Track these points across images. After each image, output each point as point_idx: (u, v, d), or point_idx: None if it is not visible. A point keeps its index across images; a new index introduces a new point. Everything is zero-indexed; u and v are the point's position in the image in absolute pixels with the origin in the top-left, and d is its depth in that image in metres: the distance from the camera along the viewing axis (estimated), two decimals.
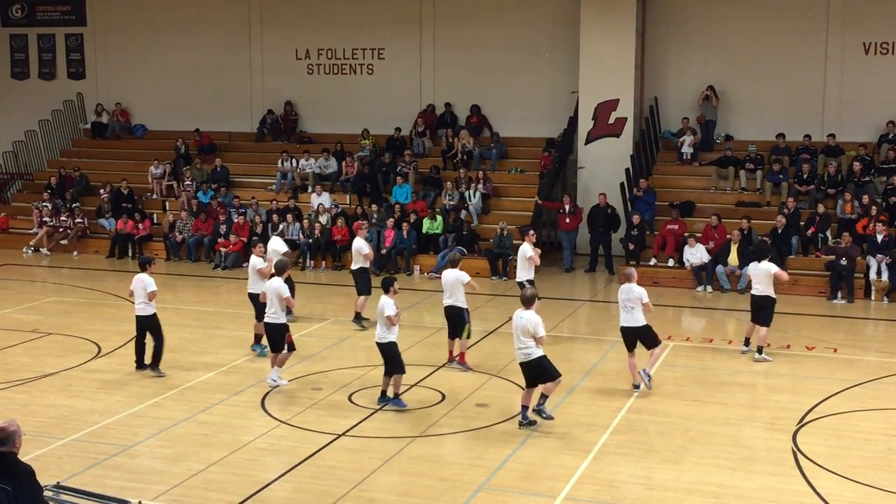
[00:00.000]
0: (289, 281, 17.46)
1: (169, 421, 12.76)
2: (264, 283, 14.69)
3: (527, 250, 16.84)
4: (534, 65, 26.83)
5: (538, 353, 12.31)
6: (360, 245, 17.75)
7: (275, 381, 14.17)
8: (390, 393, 13.39)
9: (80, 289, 21.77)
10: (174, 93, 30.21)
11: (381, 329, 13.25)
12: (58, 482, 9.51)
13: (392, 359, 13.27)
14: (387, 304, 13.16)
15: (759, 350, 15.72)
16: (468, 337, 15.36)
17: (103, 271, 24.18)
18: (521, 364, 12.46)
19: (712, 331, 18.18)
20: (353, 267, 17.93)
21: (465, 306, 15.13)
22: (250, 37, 29.42)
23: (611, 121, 25.04)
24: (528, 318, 12.25)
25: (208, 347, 16.49)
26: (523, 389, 12.67)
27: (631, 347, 14.08)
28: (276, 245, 17.91)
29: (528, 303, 12.45)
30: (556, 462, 11.37)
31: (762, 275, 15.66)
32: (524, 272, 16.77)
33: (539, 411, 12.45)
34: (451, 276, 15.11)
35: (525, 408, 12.53)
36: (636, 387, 14.02)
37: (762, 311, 15.70)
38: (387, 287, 13.40)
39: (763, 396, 14.04)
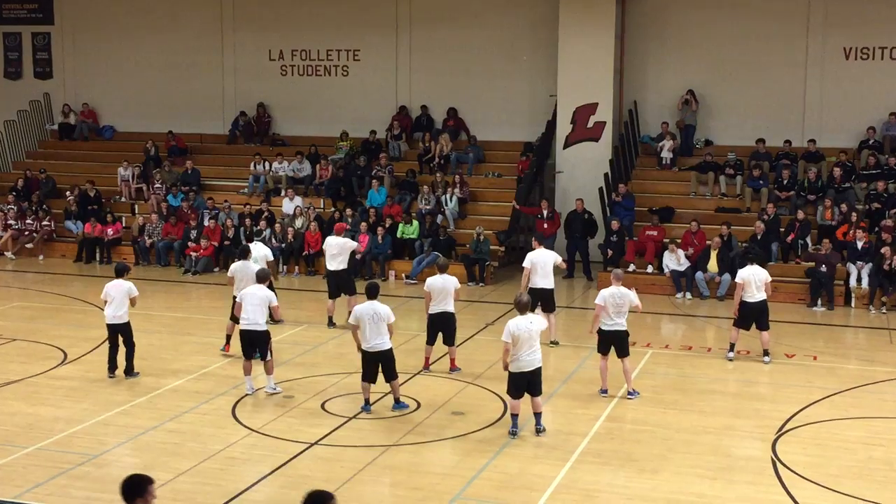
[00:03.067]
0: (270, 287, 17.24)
1: (137, 429, 12.55)
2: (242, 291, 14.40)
3: (556, 258, 16.74)
4: (512, 68, 26.69)
5: None
6: (350, 244, 17.98)
7: (274, 388, 14.00)
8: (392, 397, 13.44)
9: (46, 294, 21.43)
10: (144, 93, 29.85)
11: (384, 336, 13.05)
12: None
13: (393, 364, 13.26)
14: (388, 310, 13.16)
15: (767, 353, 15.93)
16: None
17: (70, 276, 23.78)
18: (531, 371, 12.23)
19: (692, 338, 18.09)
20: (335, 267, 17.79)
21: (454, 311, 15.04)
22: (222, 37, 29.12)
23: (589, 125, 24.92)
24: (541, 323, 12.34)
25: (178, 354, 16.21)
26: (512, 400, 12.42)
27: (608, 351, 13.98)
28: (263, 250, 17.52)
29: (527, 308, 12.36)
30: (533, 471, 11.26)
31: (761, 280, 15.73)
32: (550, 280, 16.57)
33: (540, 429, 12.42)
34: (447, 283, 14.92)
35: (516, 416, 12.38)
36: (604, 392, 13.97)
37: (764, 315, 15.82)
38: (377, 292, 13.27)
39: (742, 404, 13.93)
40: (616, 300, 13.81)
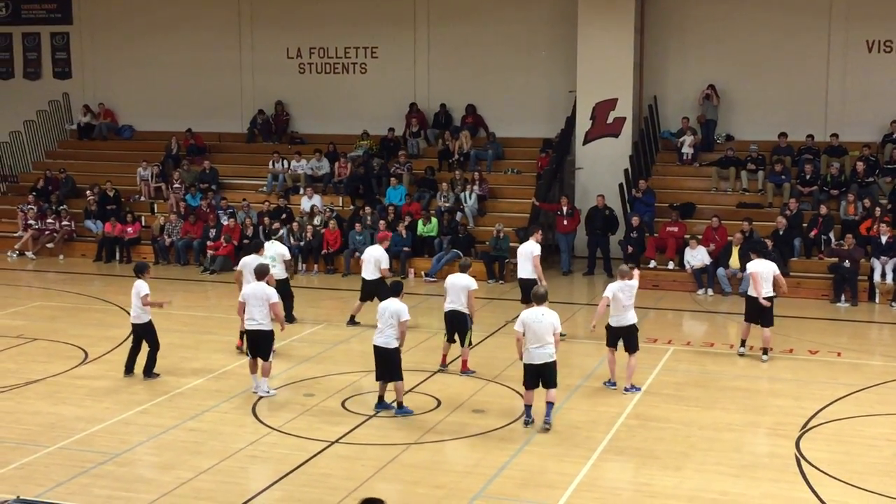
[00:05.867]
0: (286, 287, 17.04)
1: (158, 428, 12.56)
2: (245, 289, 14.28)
3: (534, 248, 16.69)
4: (531, 63, 26.58)
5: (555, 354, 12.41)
6: (381, 256, 17.38)
7: (267, 391, 13.91)
8: (390, 399, 13.19)
9: (67, 293, 21.49)
10: (162, 93, 29.88)
11: (390, 334, 12.94)
12: (18, 496, 9.24)
13: (399, 364, 13.04)
14: (403, 309, 12.99)
15: (766, 352, 15.80)
16: (470, 344, 15.13)
17: (90, 275, 23.85)
18: (540, 365, 12.32)
19: (713, 335, 17.98)
20: (367, 276, 17.47)
21: (467, 311, 14.84)
22: (240, 35, 29.12)
23: (609, 121, 24.79)
24: (553, 316, 12.38)
25: (198, 353, 16.22)
26: (525, 391, 12.56)
27: (616, 345, 14.10)
28: (280, 249, 17.42)
29: (543, 300, 12.46)
30: (555, 469, 11.22)
31: (770, 274, 15.62)
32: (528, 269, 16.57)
33: (547, 422, 12.41)
34: (459, 280, 14.80)
35: (529, 407, 12.51)
36: (612, 384, 14.11)
37: (767, 311, 15.66)
38: (400, 291, 13.19)
39: (765, 401, 13.84)
40: (624, 293, 13.95)
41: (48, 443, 12.00)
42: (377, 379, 13.18)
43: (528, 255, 16.68)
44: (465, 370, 14.97)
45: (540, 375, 12.34)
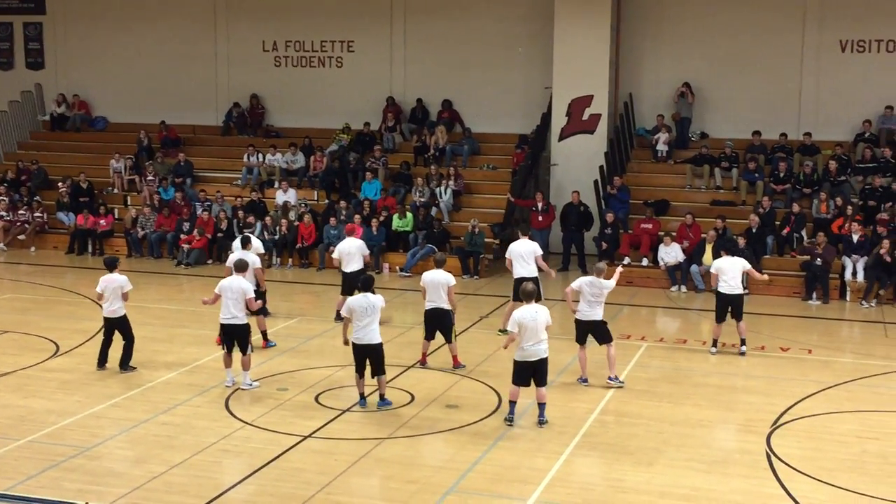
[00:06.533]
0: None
1: (129, 422, 12.49)
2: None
3: (536, 248, 16.60)
4: (507, 59, 26.60)
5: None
6: (361, 245, 17.33)
7: (250, 384, 13.88)
8: (377, 394, 13.22)
9: (38, 285, 21.33)
10: (137, 84, 29.71)
11: (374, 329, 12.92)
12: None
13: (382, 359, 13.10)
14: (381, 298, 13.08)
15: (743, 342, 15.89)
16: (454, 337, 15.14)
17: (62, 267, 23.70)
18: (536, 361, 12.34)
19: (686, 331, 18.06)
20: (352, 269, 17.22)
21: (449, 308, 14.79)
22: (216, 27, 28.98)
23: (585, 117, 24.86)
24: (545, 312, 12.37)
25: (171, 346, 16.14)
26: (514, 388, 12.51)
27: (584, 341, 14.16)
28: (254, 243, 17.25)
29: (533, 297, 12.48)
30: (527, 464, 11.24)
31: (738, 270, 15.70)
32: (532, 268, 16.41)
33: (543, 421, 12.46)
34: (437, 277, 14.72)
35: (514, 403, 12.50)
36: (584, 380, 14.13)
37: (738, 306, 15.78)
38: (371, 285, 13.20)
39: (737, 398, 13.92)
40: (591, 290, 14.02)
41: (18, 436, 11.91)
42: (360, 375, 13.09)
43: (530, 255, 16.40)
44: (456, 365, 14.91)
45: (534, 372, 12.36)
